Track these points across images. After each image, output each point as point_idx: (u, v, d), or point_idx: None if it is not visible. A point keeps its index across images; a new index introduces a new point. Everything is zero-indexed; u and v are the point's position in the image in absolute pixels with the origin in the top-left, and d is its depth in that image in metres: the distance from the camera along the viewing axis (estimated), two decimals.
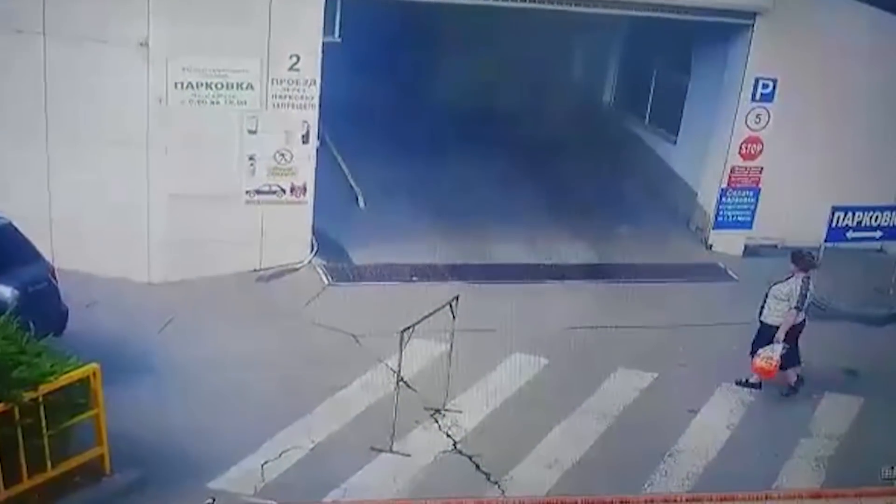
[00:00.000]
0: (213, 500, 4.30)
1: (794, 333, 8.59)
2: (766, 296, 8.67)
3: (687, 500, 2.51)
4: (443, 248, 11.00)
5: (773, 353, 8.48)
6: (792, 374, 8.74)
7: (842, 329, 10.31)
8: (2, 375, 5.93)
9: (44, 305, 7.66)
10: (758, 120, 11.55)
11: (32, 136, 9.39)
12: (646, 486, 7.28)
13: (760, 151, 11.70)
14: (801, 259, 8.69)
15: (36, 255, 7.93)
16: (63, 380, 6.21)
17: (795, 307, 8.50)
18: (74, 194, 9.50)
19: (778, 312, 8.57)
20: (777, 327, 8.53)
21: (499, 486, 7.21)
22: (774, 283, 8.70)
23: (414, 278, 10.45)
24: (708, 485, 7.16)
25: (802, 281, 8.57)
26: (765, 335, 8.62)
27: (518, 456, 7.54)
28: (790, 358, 8.56)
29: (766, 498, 2.46)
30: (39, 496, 6.17)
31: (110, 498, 6.40)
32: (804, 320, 8.65)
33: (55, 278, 7.97)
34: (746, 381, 8.82)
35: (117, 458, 6.65)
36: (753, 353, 8.66)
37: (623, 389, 8.68)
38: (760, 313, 8.69)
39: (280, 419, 7.60)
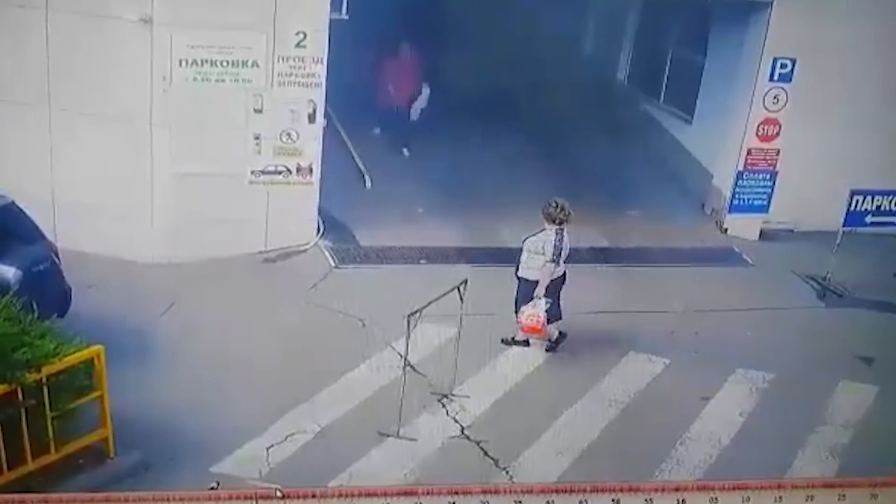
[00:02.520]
0: (218, 483, 4.32)
1: (554, 288, 8.54)
2: (521, 250, 8.64)
3: (698, 488, 2.52)
4: (451, 230, 10.99)
5: (536, 310, 8.42)
6: (553, 330, 8.70)
7: (858, 315, 10.28)
8: (4, 357, 5.96)
9: (47, 286, 7.68)
10: (775, 101, 11.46)
11: (35, 114, 9.40)
12: (657, 473, 7.31)
13: (778, 133, 11.61)
14: (552, 210, 8.56)
15: (39, 235, 7.95)
16: (66, 361, 6.25)
17: (551, 260, 8.43)
18: (78, 173, 9.52)
19: (533, 266, 8.51)
20: (535, 282, 8.48)
21: (507, 473, 7.24)
22: (526, 238, 8.66)
23: (422, 261, 10.44)
24: (720, 473, 7.19)
25: (556, 233, 8.48)
26: (523, 291, 8.57)
27: (527, 442, 7.57)
28: (552, 312, 8.51)
29: (779, 486, 2.47)
30: (43, 478, 6.22)
31: (114, 480, 6.44)
32: (564, 274, 8.59)
33: (58, 258, 7.99)
34: (513, 339, 8.79)
35: (121, 440, 6.71)
36: (517, 310, 8.58)
37: (634, 375, 8.69)
38: (517, 269, 8.64)
39: (285, 403, 7.64)
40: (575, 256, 10.83)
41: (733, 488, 2.65)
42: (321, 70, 9.74)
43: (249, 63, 9.50)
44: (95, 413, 6.59)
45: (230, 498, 2.66)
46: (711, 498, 2.65)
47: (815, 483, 2.68)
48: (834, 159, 11.40)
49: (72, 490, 6.07)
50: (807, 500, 2.64)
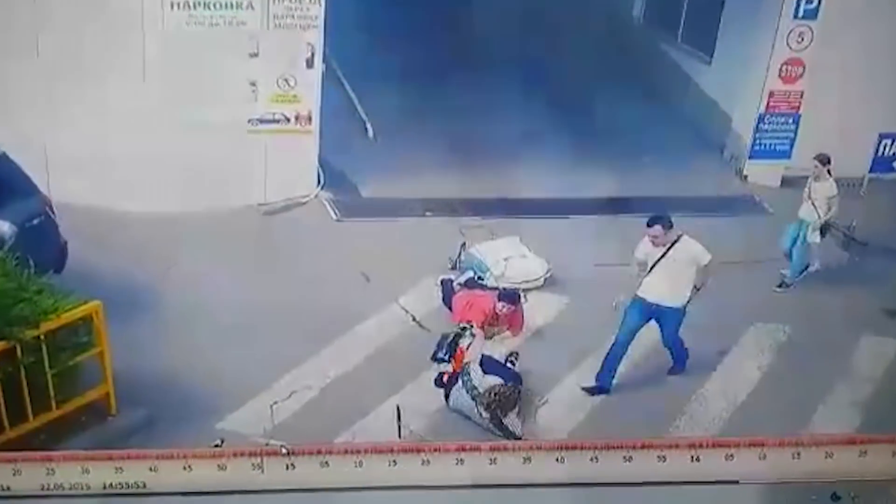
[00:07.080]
0: (222, 440, 4.40)
1: None
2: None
3: (713, 445, 2.56)
4: (458, 180, 10.94)
5: None
6: None
7: (883, 267, 10.25)
8: (2, 313, 6.04)
9: (42, 240, 7.73)
10: (800, 39, 11.27)
11: (26, 64, 9.34)
12: (671, 429, 7.40)
13: (802, 74, 11.46)
14: None
15: (32, 188, 7.95)
16: (65, 318, 6.33)
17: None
18: (70, 124, 9.49)
19: None
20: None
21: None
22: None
23: (427, 213, 10.43)
24: (736, 429, 7.28)
25: None
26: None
27: (537, 398, 7.65)
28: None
29: (797, 444, 2.51)
30: (45, 435, 6.35)
31: (116, 437, 6.58)
32: None
33: (53, 212, 8.02)
34: None
35: (123, 397, 6.83)
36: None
37: (648, 329, 8.72)
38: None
39: (289, 359, 7.73)
40: (588, 206, 10.86)
41: (749, 445, 2.69)
42: (319, 11, 9.61)
43: (244, 5, 9.38)
44: (97, 370, 6.69)
45: (234, 455, 2.72)
46: (727, 455, 2.69)
47: (835, 440, 2.72)
48: (861, 102, 11.24)
49: (75, 447, 6.20)
50: (826, 457, 2.68)
